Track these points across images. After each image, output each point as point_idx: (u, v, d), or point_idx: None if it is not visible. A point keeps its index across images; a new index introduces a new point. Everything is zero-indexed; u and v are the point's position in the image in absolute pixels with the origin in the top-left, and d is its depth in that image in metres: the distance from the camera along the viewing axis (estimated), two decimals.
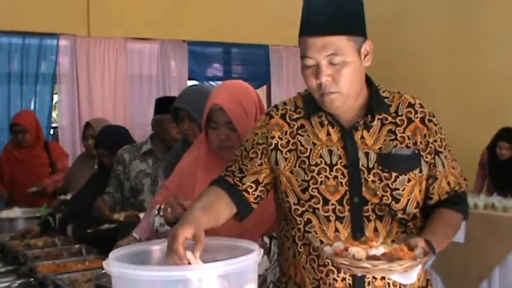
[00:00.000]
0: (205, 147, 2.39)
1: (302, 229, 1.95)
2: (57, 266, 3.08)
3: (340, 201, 1.90)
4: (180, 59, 8.47)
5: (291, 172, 1.95)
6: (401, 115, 1.98)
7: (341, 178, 1.91)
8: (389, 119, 1.97)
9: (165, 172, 3.20)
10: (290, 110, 2.03)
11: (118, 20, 7.82)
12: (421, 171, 1.95)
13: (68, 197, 4.57)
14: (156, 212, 2.43)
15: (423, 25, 7.90)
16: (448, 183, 2.01)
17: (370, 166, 1.91)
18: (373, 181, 1.90)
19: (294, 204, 1.95)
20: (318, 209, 1.91)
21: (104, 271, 1.64)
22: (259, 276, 2.22)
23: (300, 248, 1.97)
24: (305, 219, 1.94)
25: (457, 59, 7.52)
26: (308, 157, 1.94)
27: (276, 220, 2.30)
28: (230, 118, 2.26)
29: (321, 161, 1.93)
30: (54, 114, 8.11)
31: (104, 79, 7.86)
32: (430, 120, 1.98)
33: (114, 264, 1.63)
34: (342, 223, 1.91)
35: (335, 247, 1.71)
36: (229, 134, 2.29)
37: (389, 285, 1.92)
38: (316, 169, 1.92)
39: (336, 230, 1.91)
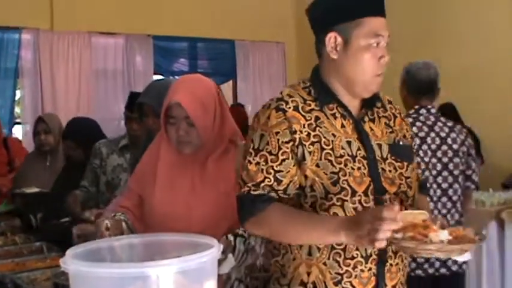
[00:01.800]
0: (166, 143, 2.37)
1: None
2: (16, 264, 3.02)
3: (365, 192, 1.92)
4: (146, 53, 8.42)
5: (317, 166, 1.90)
6: (387, 110, 2.09)
7: (363, 169, 1.93)
8: (381, 112, 2.06)
9: (131, 169, 3.18)
10: (300, 102, 1.96)
11: (82, 14, 7.74)
12: (414, 161, 2.11)
13: (27, 190, 4.47)
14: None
15: (394, 17, 7.93)
16: (417, 172, 2.15)
17: (384, 156, 1.98)
18: (389, 170, 1.97)
19: (321, 198, 1.90)
20: (347, 201, 1.90)
21: (62, 269, 1.60)
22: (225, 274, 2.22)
23: (320, 244, 1.92)
24: (331, 213, 1.89)
25: (430, 50, 7.59)
26: (332, 149, 1.92)
27: (236, 220, 2.30)
28: (188, 113, 2.24)
29: (344, 152, 1.93)
30: (18, 110, 8.00)
31: (68, 74, 7.78)
32: (404, 117, 2.13)
33: (71, 262, 1.60)
34: None
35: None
36: (188, 129, 2.27)
37: (400, 270, 2.00)
38: (342, 160, 1.91)
39: None
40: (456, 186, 3.55)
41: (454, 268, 3.52)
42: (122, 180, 3.75)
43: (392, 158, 1.99)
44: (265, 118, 1.95)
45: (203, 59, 9.09)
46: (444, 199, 3.52)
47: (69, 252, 1.67)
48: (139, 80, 8.27)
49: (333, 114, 1.96)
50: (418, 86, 3.58)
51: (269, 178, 1.89)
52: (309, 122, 1.92)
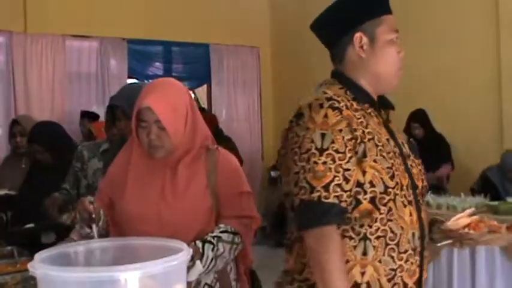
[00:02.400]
0: (137, 147, 2.36)
1: (384, 219, 1.92)
2: None
3: (407, 187, 1.97)
4: (120, 57, 8.41)
5: (375, 161, 1.92)
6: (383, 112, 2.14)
7: (403, 164, 1.99)
8: (382, 113, 2.12)
9: (104, 171, 3.17)
10: (346, 100, 1.97)
11: (56, 17, 7.70)
12: None
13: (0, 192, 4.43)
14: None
15: None
16: None
17: (408, 154, 2.06)
18: (414, 167, 2.05)
19: (380, 193, 1.91)
20: (398, 194, 1.94)
21: (30, 273, 1.60)
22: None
23: (374, 242, 1.91)
24: (388, 208, 1.92)
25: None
26: (383, 146, 1.95)
27: (208, 223, 2.31)
28: (159, 117, 2.24)
29: (390, 149, 1.97)
30: None
31: (42, 77, 7.75)
32: None
33: (39, 266, 1.60)
34: (412, 207, 1.98)
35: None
36: (159, 133, 2.25)
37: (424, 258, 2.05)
38: (391, 156, 1.96)
39: (410, 214, 1.96)
40: None
41: None
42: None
43: (412, 155, 2.08)
44: (321, 117, 1.90)
45: (178, 63, 9.09)
46: None
47: (38, 256, 1.67)
48: (113, 83, 8.24)
49: (369, 113, 2.02)
50: None
51: (338, 177, 1.84)
52: (360, 120, 1.94)
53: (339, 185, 1.84)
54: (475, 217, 2.15)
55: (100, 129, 6.58)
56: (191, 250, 1.72)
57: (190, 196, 2.29)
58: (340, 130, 1.88)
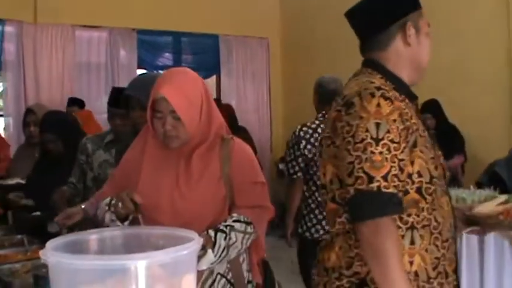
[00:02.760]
0: (152, 137, 2.36)
1: (429, 208, 1.94)
2: None
3: (443, 177, 2.03)
4: (129, 47, 8.41)
5: (421, 152, 1.93)
6: None
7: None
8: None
9: (116, 160, 3.17)
10: (392, 91, 1.97)
11: (66, 7, 7.70)
12: None
13: (11, 181, 4.46)
14: (107, 207, 2.34)
15: None
16: None
17: (434, 144, 2.07)
18: (440, 156, 2.08)
19: (426, 183, 1.93)
20: (438, 184, 1.99)
21: (42, 261, 1.61)
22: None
23: (420, 231, 1.93)
24: (432, 197, 1.94)
25: None
26: (424, 136, 1.98)
27: (222, 212, 2.32)
28: (174, 107, 2.23)
29: (428, 140, 2.00)
30: (0, 103, 7.95)
31: (52, 67, 7.76)
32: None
33: (51, 254, 1.60)
34: (447, 196, 2.04)
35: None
36: (174, 124, 2.24)
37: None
38: (430, 146, 1.99)
39: (447, 204, 2.01)
40: None
41: None
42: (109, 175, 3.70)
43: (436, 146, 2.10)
44: (374, 106, 1.88)
45: (187, 54, 9.08)
46: None
47: (49, 244, 1.68)
48: (122, 74, 8.27)
49: (407, 103, 2.01)
50: (327, 97, 4.20)
51: (394, 167, 1.83)
52: (406, 111, 1.94)
53: (395, 175, 1.82)
54: (508, 205, 2.20)
55: (87, 117, 6.55)
56: (202, 239, 1.72)
57: (204, 186, 2.30)
58: (394, 120, 1.87)
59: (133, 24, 8.34)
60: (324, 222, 4.16)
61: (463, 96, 6.72)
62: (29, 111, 4.93)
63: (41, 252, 1.63)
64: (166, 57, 8.94)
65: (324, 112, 4.31)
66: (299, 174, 4.29)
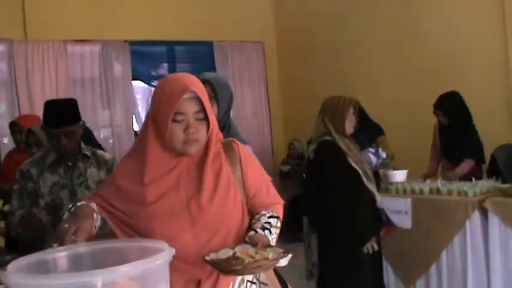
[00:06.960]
0: (156, 150, 2.14)
1: None
2: None
3: None
4: (123, 59, 8.34)
5: None
6: None
7: None
8: None
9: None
10: None
11: (56, 23, 7.65)
12: None
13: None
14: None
15: (366, 17, 7.92)
16: None
17: None
18: None
19: None
20: None
21: (2, 285, 1.54)
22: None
23: None
24: None
25: (400, 47, 7.58)
26: None
27: (244, 216, 2.24)
28: (204, 105, 2.08)
29: None
30: None
31: (45, 84, 7.68)
32: None
33: (11, 276, 1.52)
34: None
35: None
36: (197, 125, 2.10)
37: None
38: None
39: None
40: None
41: None
42: (64, 199, 3.34)
43: None
44: None
45: (182, 62, 8.98)
46: None
47: (11, 266, 1.60)
48: (117, 86, 8.22)
49: None
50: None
51: None
52: None
53: None
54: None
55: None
56: (173, 250, 1.63)
57: (222, 193, 2.17)
58: None
59: (125, 36, 8.26)
60: None
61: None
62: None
63: (2, 275, 1.55)
64: (161, 67, 8.88)
65: None
66: None
